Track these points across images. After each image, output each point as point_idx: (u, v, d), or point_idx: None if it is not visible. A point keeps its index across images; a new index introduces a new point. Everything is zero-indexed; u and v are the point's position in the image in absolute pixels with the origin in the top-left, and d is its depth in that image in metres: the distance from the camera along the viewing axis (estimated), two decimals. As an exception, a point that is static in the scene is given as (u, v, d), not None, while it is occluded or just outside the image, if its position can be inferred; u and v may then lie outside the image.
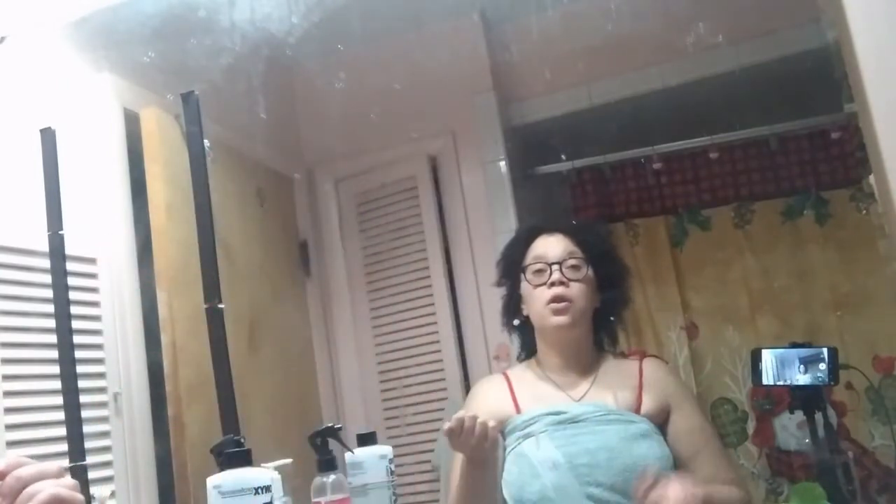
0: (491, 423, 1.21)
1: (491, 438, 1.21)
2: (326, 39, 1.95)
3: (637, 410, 1.29)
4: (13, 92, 1.54)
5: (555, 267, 1.33)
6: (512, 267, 1.42)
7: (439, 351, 2.15)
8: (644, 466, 1.21)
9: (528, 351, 1.44)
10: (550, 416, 1.29)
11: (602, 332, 1.42)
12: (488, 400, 1.38)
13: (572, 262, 1.34)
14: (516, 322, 1.43)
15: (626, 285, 1.44)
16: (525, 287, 1.38)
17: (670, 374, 1.40)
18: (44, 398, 1.41)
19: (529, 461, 1.26)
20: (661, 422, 1.31)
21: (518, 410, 1.34)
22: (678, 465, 1.27)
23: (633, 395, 1.31)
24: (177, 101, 1.44)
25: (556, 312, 1.32)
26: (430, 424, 2.10)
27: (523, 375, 1.40)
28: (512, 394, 1.37)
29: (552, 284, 1.32)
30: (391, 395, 2.19)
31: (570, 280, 1.33)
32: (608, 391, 1.32)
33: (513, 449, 1.30)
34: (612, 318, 1.42)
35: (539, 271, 1.35)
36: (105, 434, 1.51)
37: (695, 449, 1.28)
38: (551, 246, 1.37)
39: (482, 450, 1.21)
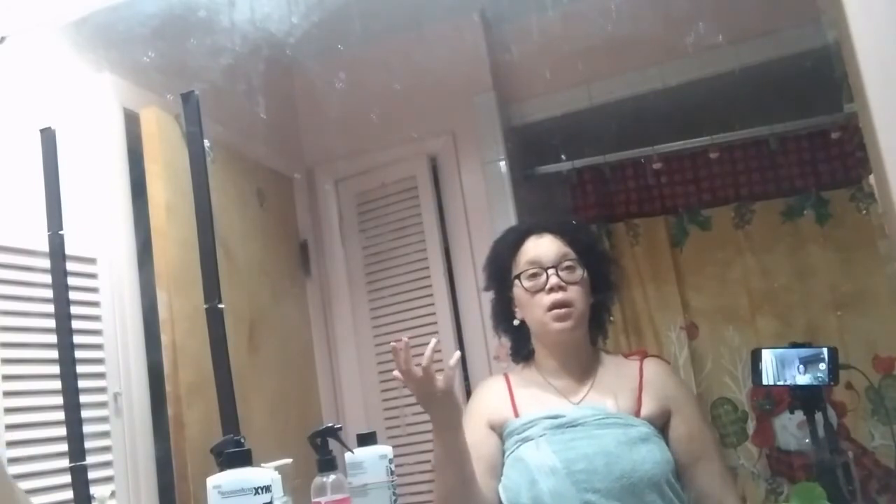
0: (451, 362, 1.22)
1: (443, 382, 1.19)
2: (326, 39, 1.95)
3: (637, 413, 1.29)
4: (13, 92, 1.54)
5: (551, 271, 1.32)
6: (501, 272, 1.40)
7: (439, 351, 2.11)
8: (642, 472, 1.21)
9: (523, 354, 1.42)
10: (548, 419, 1.28)
11: (596, 328, 1.40)
12: (488, 402, 1.37)
13: (567, 263, 1.33)
14: (516, 322, 1.40)
15: (614, 278, 1.43)
16: (521, 293, 1.35)
17: (671, 375, 1.39)
18: (44, 398, 1.41)
19: (527, 466, 1.26)
20: (662, 423, 1.30)
21: (516, 414, 1.33)
22: (678, 469, 1.26)
23: (633, 397, 1.30)
24: (177, 101, 1.44)
25: (558, 319, 1.30)
26: (430, 424, 2.10)
27: (523, 378, 1.39)
28: (511, 396, 1.36)
29: (551, 290, 1.31)
30: (391, 395, 2.18)
31: (567, 283, 1.31)
32: (608, 394, 1.31)
33: (511, 453, 1.29)
34: (606, 314, 1.41)
35: (534, 276, 1.33)
36: (105, 434, 1.51)
37: (694, 456, 1.27)
38: (543, 248, 1.35)
39: (438, 400, 1.19)
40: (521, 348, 1.42)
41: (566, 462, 1.23)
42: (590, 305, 1.35)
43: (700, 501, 1.26)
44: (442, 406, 1.20)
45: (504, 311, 1.41)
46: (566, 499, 1.20)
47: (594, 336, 1.40)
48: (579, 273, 1.33)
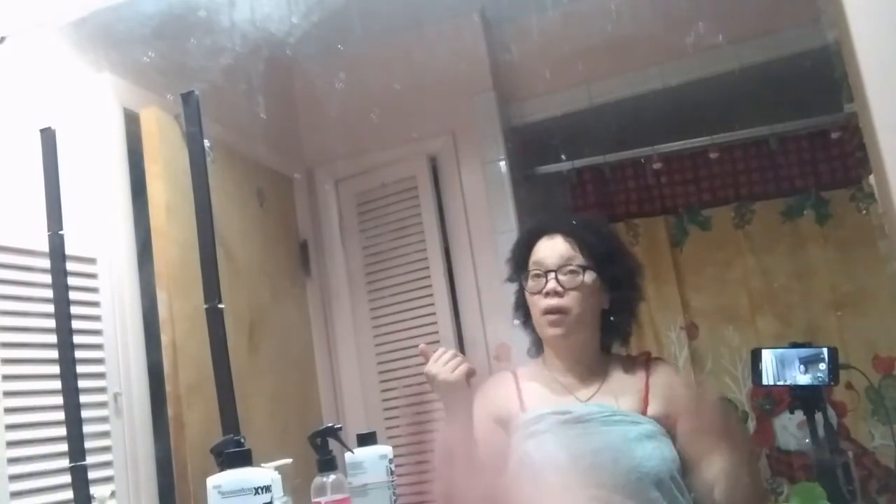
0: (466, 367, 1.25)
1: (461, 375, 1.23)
2: (326, 39, 1.95)
3: (643, 412, 1.29)
4: (13, 92, 1.54)
5: (551, 275, 1.31)
6: (517, 268, 1.41)
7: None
8: (648, 468, 1.21)
9: (538, 347, 1.42)
10: (555, 415, 1.28)
11: (611, 333, 1.38)
12: (495, 398, 1.37)
13: (570, 268, 1.31)
14: (516, 322, 1.41)
15: (635, 283, 1.39)
16: (526, 293, 1.36)
17: (677, 375, 1.39)
18: (44, 398, 1.41)
19: (533, 461, 1.26)
20: (668, 424, 1.29)
21: (523, 409, 1.33)
22: (688, 467, 1.26)
23: (639, 397, 1.30)
24: (177, 101, 1.44)
25: (551, 324, 1.30)
26: (429, 425, 2.10)
27: (531, 374, 1.39)
28: (518, 392, 1.36)
29: (547, 294, 1.30)
30: (391, 395, 2.19)
31: (566, 289, 1.30)
32: (615, 393, 1.31)
33: (517, 448, 1.30)
34: (621, 320, 1.38)
35: (537, 277, 1.33)
36: (105, 434, 1.51)
37: (704, 450, 1.26)
38: (550, 250, 1.34)
39: (457, 393, 1.23)
40: (536, 340, 1.42)
41: (572, 457, 1.23)
42: (600, 308, 1.34)
43: (706, 496, 1.25)
44: (460, 392, 1.23)
45: (524, 305, 1.40)
46: (572, 494, 1.20)
47: (607, 341, 1.38)
48: (581, 278, 1.31)
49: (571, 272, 1.32)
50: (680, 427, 1.29)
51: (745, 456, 1.28)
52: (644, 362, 1.36)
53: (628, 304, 1.39)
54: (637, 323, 1.42)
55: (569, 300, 1.30)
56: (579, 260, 1.32)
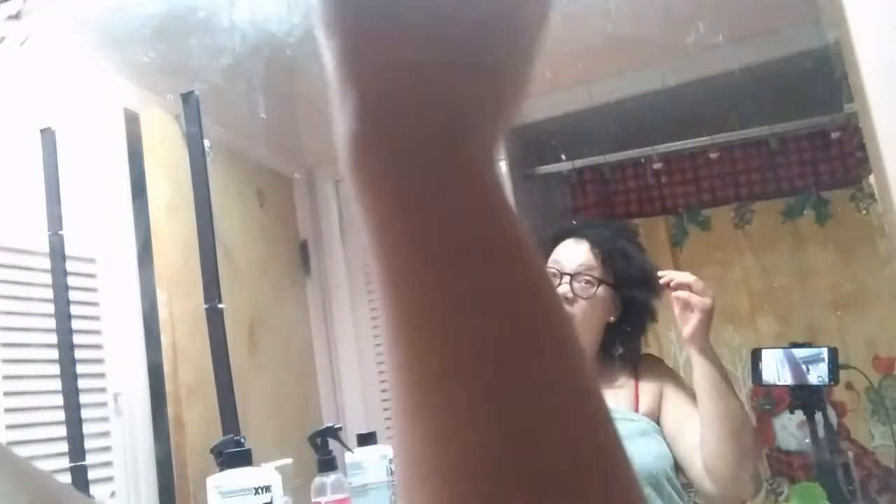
0: None
1: None
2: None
3: (635, 410, 1.29)
4: (13, 92, 1.54)
5: (565, 278, 1.29)
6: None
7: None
8: (641, 465, 1.21)
9: None
10: None
11: (613, 343, 1.35)
12: None
13: (586, 277, 1.29)
14: None
15: (650, 306, 1.37)
16: None
17: (663, 365, 1.39)
18: (44, 398, 1.41)
19: None
20: (659, 416, 1.29)
21: None
22: (676, 458, 1.26)
23: (630, 393, 1.31)
24: (177, 101, 1.44)
25: None
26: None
27: None
28: None
29: None
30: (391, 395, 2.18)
31: (577, 296, 1.28)
32: (608, 393, 1.32)
33: None
34: (628, 337, 1.36)
35: (550, 275, 1.33)
36: (105, 434, 1.51)
37: (680, 421, 1.25)
38: (571, 254, 1.32)
39: None
40: None
41: None
42: (605, 320, 1.32)
43: (685, 471, 1.24)
44: None
45: None
46: None
47: (607, 349, 1.36)
48: (593, 290, 1.29)
49: (587, 282, 1.30)
50: (662, 407, 1.28)
51: (727, 413, 1.18)
52: (633, 359, 1.36)
53: (637, 323, 1.37)
54: (645, 338, 1.40)
55: (576, 309, 1.28)
56: (598, 272, 1.30)
